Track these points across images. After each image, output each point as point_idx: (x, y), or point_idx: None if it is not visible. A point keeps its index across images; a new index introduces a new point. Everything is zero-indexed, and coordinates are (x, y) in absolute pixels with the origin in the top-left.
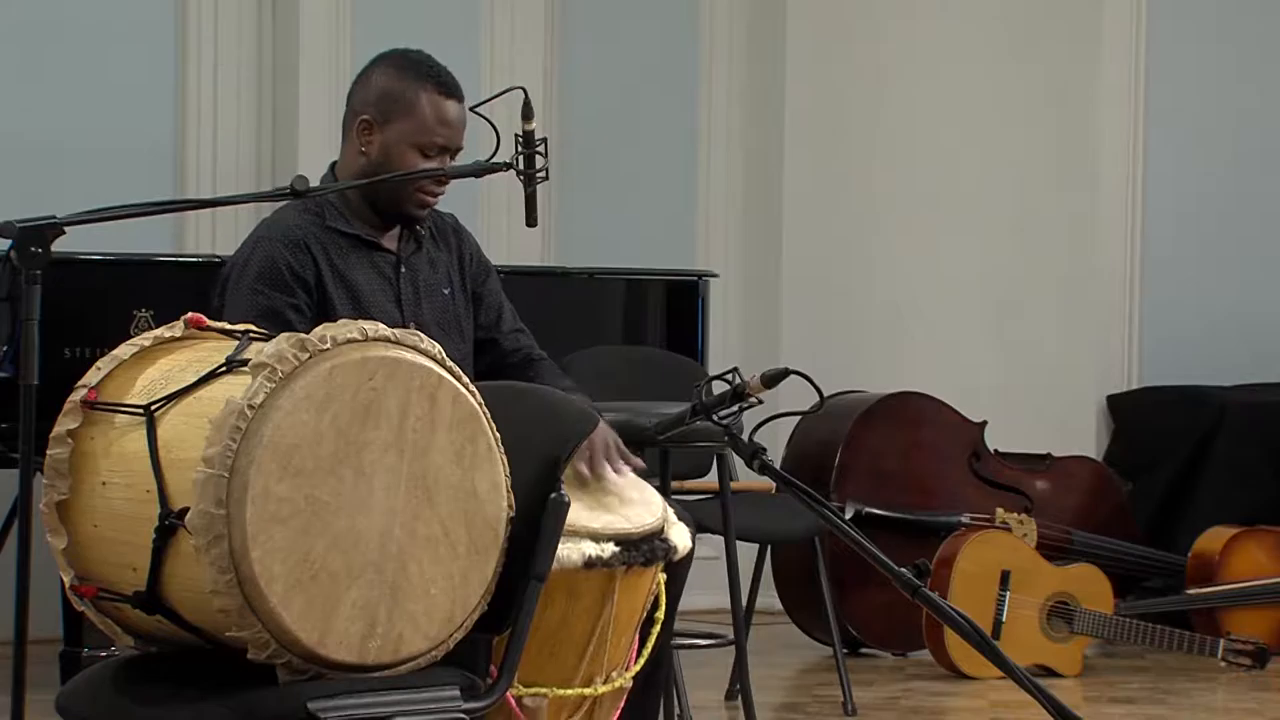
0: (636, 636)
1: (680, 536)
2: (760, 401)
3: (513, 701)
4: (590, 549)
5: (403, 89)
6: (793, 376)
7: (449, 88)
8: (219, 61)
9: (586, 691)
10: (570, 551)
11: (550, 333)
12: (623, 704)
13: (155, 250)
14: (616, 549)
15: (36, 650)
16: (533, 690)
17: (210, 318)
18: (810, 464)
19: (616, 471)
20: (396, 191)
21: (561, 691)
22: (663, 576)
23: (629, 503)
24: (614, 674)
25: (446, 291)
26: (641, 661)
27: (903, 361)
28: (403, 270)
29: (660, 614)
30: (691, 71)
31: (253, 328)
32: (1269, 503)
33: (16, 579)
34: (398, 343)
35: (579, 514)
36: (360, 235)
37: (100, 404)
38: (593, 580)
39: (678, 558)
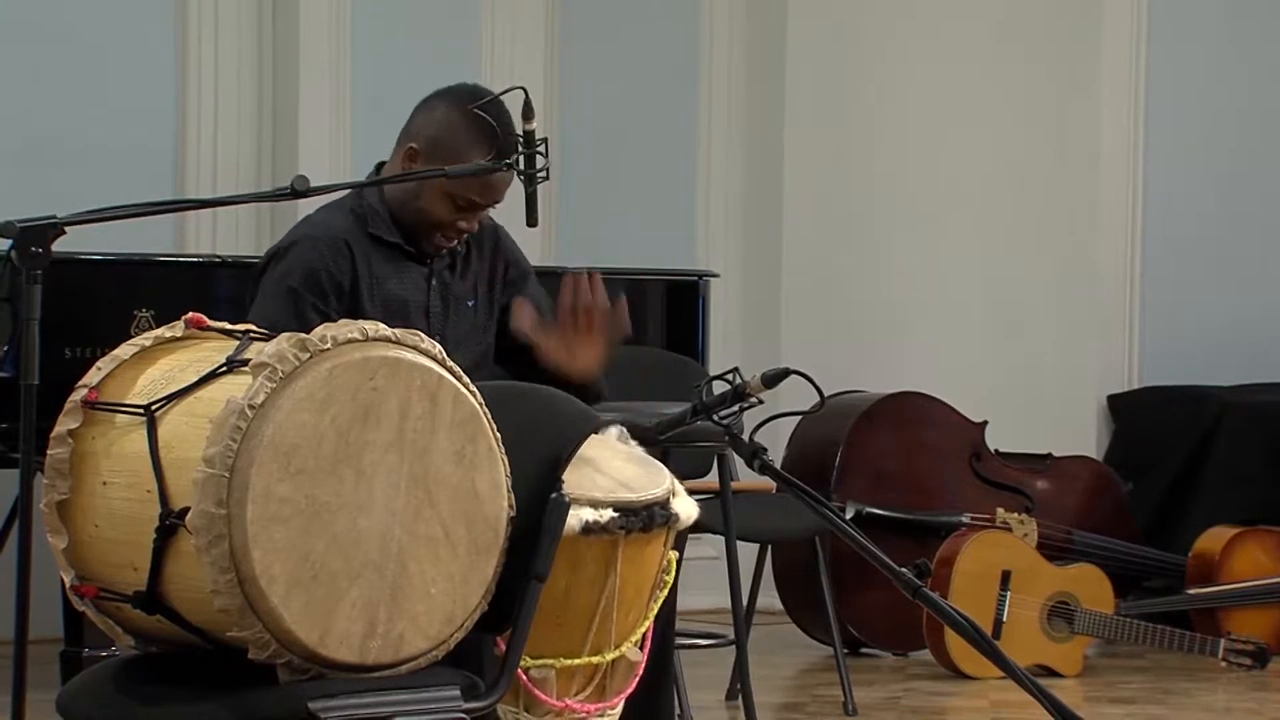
0: (650, 614)
1: (685, 507)
2: (761, 401)
3: (521, 674)
4: (588, 514)
5: (457, 143)
6: (793, 376)
7: (502, 154)
8: (219, 61)
9: (595, 660)
10: (569, 518)
11: None
12: (633, 685)
13: (155, 250)
14: (615, 514)
15: (36, 650)
16: (540, 662)
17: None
18: (811, 464)
19: None
20: (417, 225)
21: (568, 661)
22: (674, 554)
23: (633, 473)
24: (623, 644)
25: (470, 304)
26: (647, 624)
27: (903, 361)
28: (433, 283)
29: (669, 578)
30: (691, 72)
31: (253, 328)
32: (1269, 503)
33: (16, 579)
34: (398, 343)
35: (579, 482)
36: (400, 245)
37: (101, 404)
38: (594, 549)
39: (681, 526)
